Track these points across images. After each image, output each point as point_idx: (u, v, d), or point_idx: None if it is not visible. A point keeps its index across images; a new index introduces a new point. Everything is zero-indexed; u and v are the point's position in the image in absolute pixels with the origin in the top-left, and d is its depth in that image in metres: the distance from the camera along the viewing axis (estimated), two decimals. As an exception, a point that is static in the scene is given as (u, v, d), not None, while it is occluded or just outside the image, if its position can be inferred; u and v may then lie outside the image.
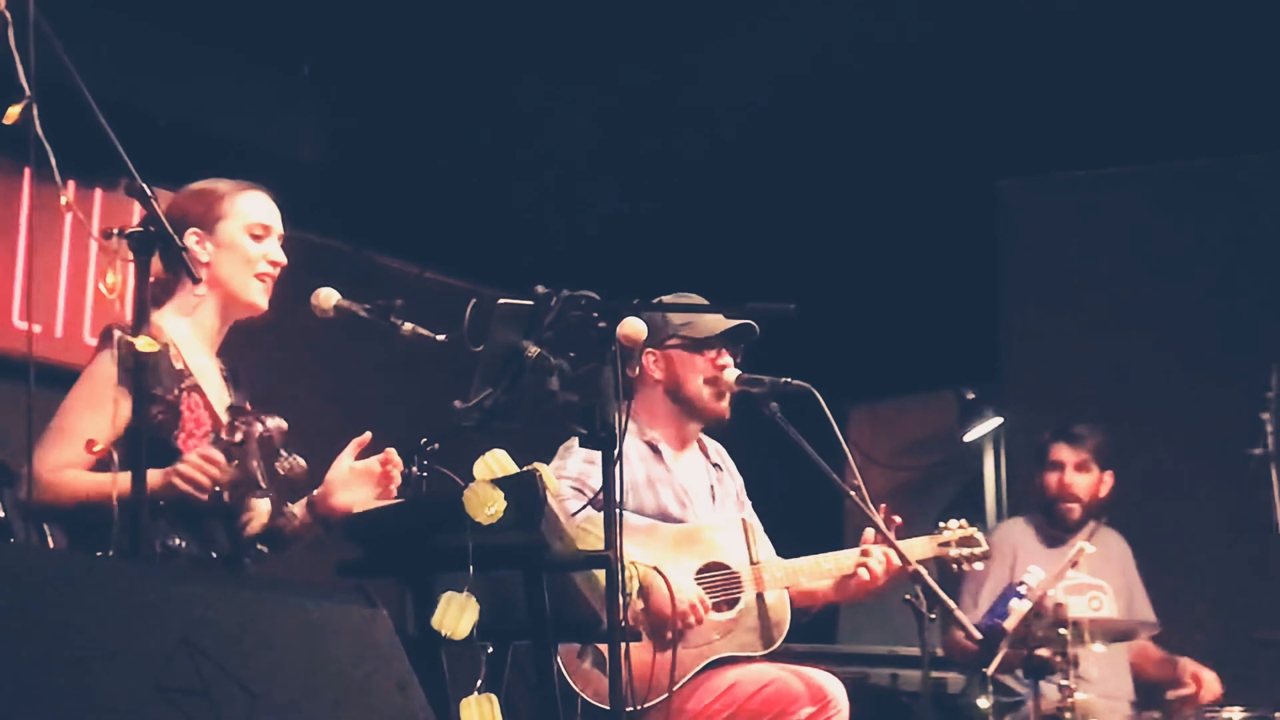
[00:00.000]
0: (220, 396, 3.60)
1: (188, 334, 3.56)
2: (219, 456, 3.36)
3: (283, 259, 3.65)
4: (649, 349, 4.36)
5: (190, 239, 3.52)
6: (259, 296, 3.63)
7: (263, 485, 3.49)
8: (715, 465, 4.54)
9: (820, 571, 4.32)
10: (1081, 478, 5.61)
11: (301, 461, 3.55)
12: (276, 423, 3.54)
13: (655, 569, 4.01)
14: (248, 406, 3.59)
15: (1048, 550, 5.43)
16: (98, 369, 3.39)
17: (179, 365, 3.49)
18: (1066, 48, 6.19)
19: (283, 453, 3.54)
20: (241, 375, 3.70)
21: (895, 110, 6.50)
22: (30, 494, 3.33)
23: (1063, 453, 5.63)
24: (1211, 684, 5.46)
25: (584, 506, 3.94)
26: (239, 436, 3.48)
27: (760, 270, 6.49)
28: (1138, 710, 5.50)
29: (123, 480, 3.11)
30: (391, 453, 3.56)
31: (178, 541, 3.39)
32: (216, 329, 3.64)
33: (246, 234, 3.61)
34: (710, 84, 6.38)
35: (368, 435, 3.60)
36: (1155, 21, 5.96)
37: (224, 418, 3.55)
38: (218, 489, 3.35)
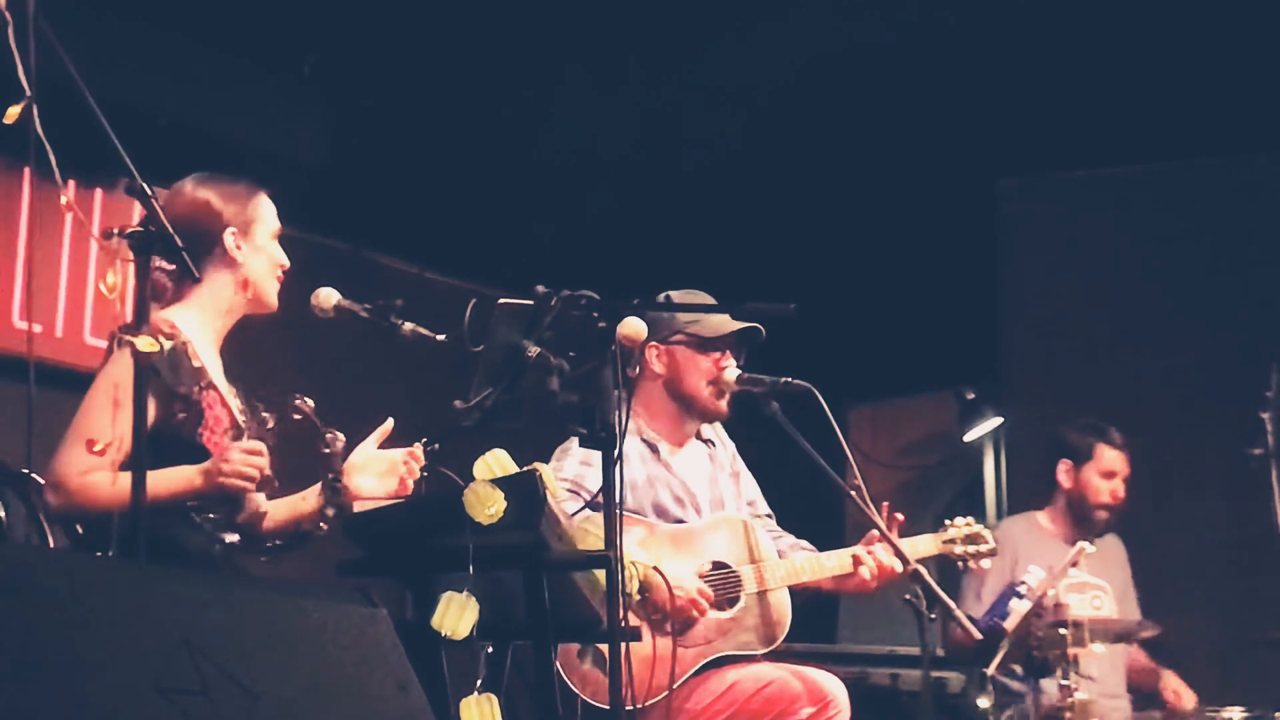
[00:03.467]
0: (228, 392, 3.61)
1: (199, 332, 3.58)
2: (261, 447, 3.38)
3: (287, 260, 3.72)
4: (653, 343, 4.36)
5: (229, 238, 3.58)
6: (275, 297, 3.70)
7: (273, 481, 3.49)
8: (707, 441, 4.53)
9: (822, 570, 4.32)
10: (1124, 488, 5.60)
11: (341, 437, 3.53)
12: (306, 400, 3.52)
13: (655, 568, 4.01)
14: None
15: (1054, 550, 5.39)
16: (115, 369, 3.38)
17: (197, 363, 3.51)
18: (1066, 47, 6.19)
19: (325, 430, 3.51)
20: (233, 373, 3.70)
21: (895, 110, 6.50)
22: (59, 500, 3.34)
23: (1118, 463, 5.57)
24: (1188, 702, 5.50)
25: (581, 509, 3.94)
26: (270, 424, 3.49)
27: (760, 270, 6.48)
28: (1137, 709, 5.51)
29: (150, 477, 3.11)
30: (417, 449, 3.56)
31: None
32: (228, 326, 3.66)
33: (272, 239, 3.69)
34: (710, 85, 6.38)
35: (390, 423, 3.60)
36: (1156, 21, 5.96)
37: (238, 413, 3.56)
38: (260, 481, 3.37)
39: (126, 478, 3.13)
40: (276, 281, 3.68)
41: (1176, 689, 5.56)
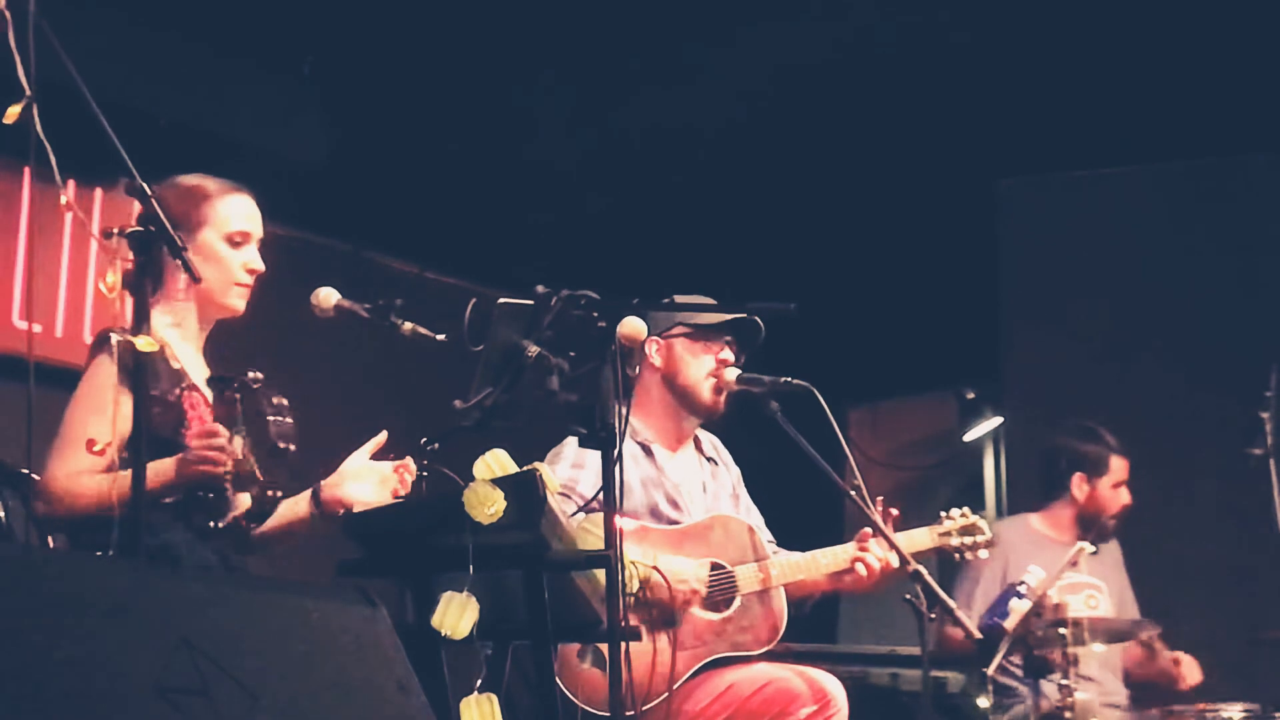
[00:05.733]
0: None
1: (175, 334, 3.57)
2: (216, 428, 3.33)
3: (261, 266, 3.64)
4: (652, 337, 4.36)
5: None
6: (237, 301, 3.63)
7: (258, 475, 3.47)
8: (710, 459, 4.54)
9: (818, 568, 4.32)
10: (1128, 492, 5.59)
11: (289, 419, 3.47)
12: (254, 375, 3.46)
13: (655, 569, 4.01)
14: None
15: (1048, 553, 5.37)
16: (97, 373, 3.38)
17: (175, 365, 3.50)
18: (1066, 47, 6.19)
19: (270, 409, 3.45)
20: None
21: (895, 110, 6.50)
22: (47, 505, 3.33)
23: (1125, 471, 5.56)
24: (1191, 668, 5.45)
25: (576, 513, 3.93)
26: (235, 407, 3.44)
27: (760, 270, 6.49)
28: (1135, 709, 5.51)
29: (124, 481, 3.11)
30: (409, 461, 3.55)
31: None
32: (199, 329, 3.65)
33: (226, 242, 3.60)
34: (710, 84, 6.38)
35: (384, 435, 3.59)
36: (1155, 21, 5.96)
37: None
38: (228, 469, 3.33)
39: (108, 478, 3.13)
40: (236, 286, 3.60)
41: (1174, 656, 5.47)
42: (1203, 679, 5.43)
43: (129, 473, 3.05)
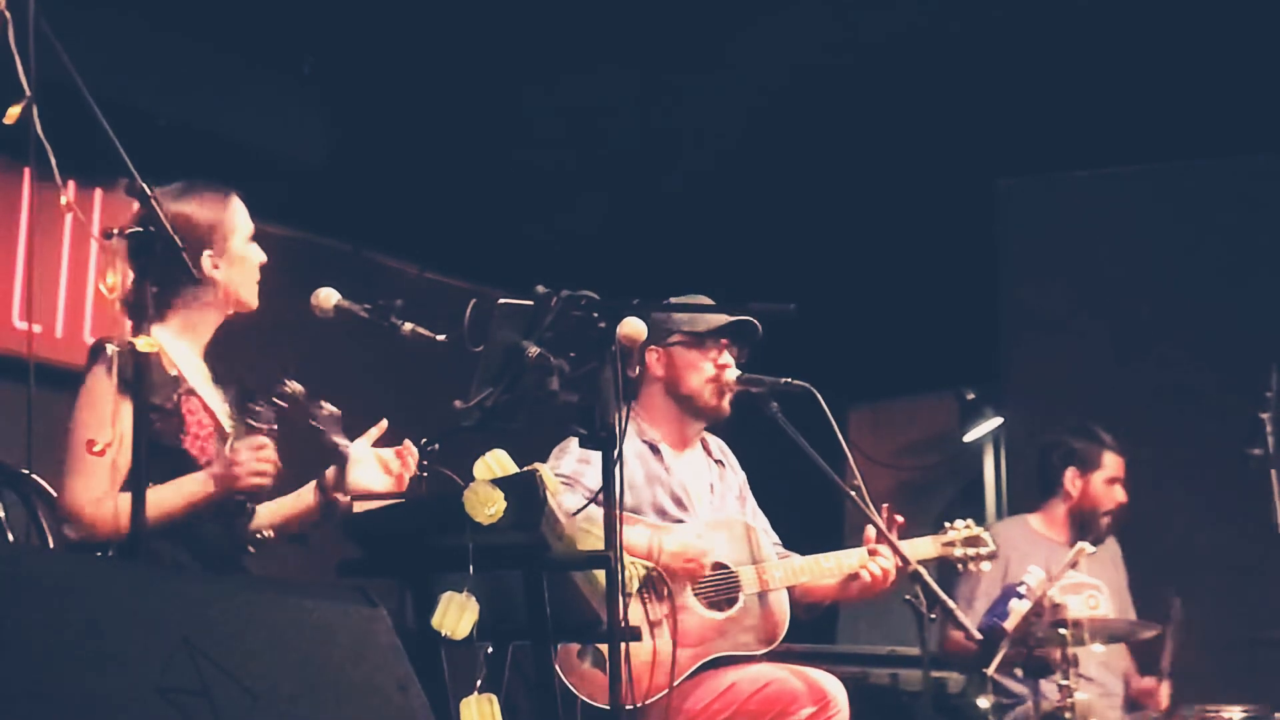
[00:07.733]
0: (212, 397, 3.59)
1: (178, 339, 3.56)
2: (267, 441, 3.36)
3: (264, 256, 3.69)
4: (651, 346, 4.37)
5: (206, 261, 3.53)
6: (255, 297, 3.67)
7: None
8: (718, 461, 4.54)
9: (820, 571, 4.32)
10: (1123, 490, 5.60)
11: (329, 406, 3.49)
12: (295, 387, 3.49)
13: (655, 568, 4.02)
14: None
15: (1048, 553, 5.38)
16: (95, 386, 3.36)
17: (173, 372, 3.48)
18: (1066, 47, 6.19)
19: (312, 404, 3.48)
20: (227, 380, 3.69)
21: (895, 110, 6.50)
22: (77, 531, 3.31)
23: (1120, 468, 5.58)
24: (1164, 694, 5.49)
25: (584, 506, 3.93)
26: (268, 415, 3.46)
27: (760, 270, 6.49)
28: (1134, 710, 5.51)
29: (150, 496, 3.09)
30: (409, 444, 3.56)
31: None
32: (210, 332, 3.65)
33: (248, 243, 3.65)
34: (711, 84, 6.38)
35: (384, 423, 3.60)
36: (1156, 21, 5.96)
37: (222, 418, 3.55)
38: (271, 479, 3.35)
39: (126, 497, 3.11)
40: (255, 283, 3.66)
41: (1150, 690, 5.55)
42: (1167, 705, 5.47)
43: (149, 489, 3.04)
